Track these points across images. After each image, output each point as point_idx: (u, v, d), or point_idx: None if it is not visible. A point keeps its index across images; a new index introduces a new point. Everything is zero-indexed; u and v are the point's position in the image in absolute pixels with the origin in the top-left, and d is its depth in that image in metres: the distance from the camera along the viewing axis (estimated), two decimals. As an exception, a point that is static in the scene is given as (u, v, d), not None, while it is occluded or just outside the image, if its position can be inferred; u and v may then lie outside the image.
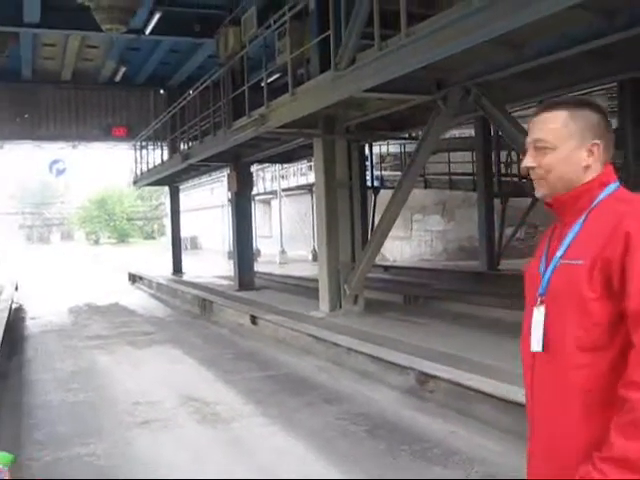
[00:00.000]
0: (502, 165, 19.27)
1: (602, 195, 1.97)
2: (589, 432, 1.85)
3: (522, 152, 2.10)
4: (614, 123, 19.90)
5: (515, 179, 19.93)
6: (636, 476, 1.74)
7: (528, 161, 2.04)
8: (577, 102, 2.06)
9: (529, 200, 19.11)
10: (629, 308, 1.78)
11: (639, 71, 8.98)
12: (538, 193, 2.08)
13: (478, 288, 15.21)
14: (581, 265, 1.88)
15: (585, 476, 1.78)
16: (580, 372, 1.87)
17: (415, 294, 13.55)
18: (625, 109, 14.61)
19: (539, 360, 1.99)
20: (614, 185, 1.99)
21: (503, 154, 19.03)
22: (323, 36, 9.38)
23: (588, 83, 10.67)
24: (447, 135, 20.39)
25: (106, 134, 23.67)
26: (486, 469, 4.91)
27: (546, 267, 2.02)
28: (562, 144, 1.98)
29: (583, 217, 1.97)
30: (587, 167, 1.97)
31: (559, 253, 1.98)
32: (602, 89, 18.45)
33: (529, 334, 2.04)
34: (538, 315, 2.00)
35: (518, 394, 5.78)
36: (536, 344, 1.99)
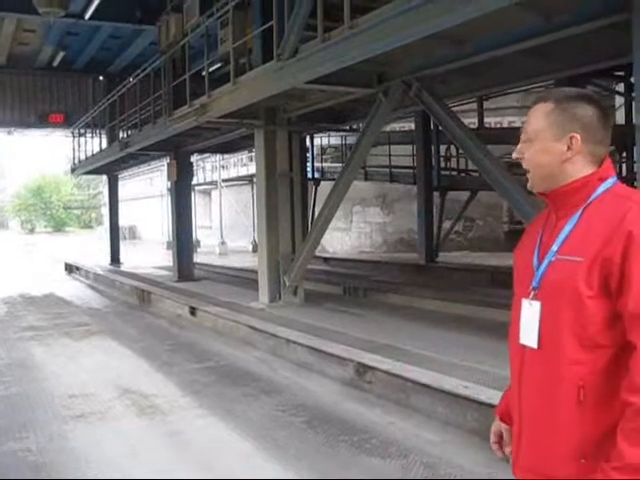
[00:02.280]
0: (442, 159, 19.48)
1: (600, 190, 1.95)
2: (582, 428, 1.85)
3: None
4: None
5: (454, 173, 20.18)
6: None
7: (514, 153, 2.05)
8: (569, 95, 2.03)
9: (467, 194, 19.39)
10: (628, 309, 1.78)
11: (575, 70, 9.15)
12: (529, 185, 2.07)
13: (417, 280, 15.38)
14: (580, 262, 1.85)
15: None
16: (575, 368, 1.86)
17: (354, 286, 13.63)
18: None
19: (530, 354, 1.98)
20: (612, 180, 1.97)
21: (443, 148, 19.23)
22: (266, 26, 9.33)
23: (526, 80, 10.85)
24: (388, 128, 20.53)
25: (43, 121, 23.08)
26: (423, 459, 4.97)
27: (540, 260, 2.00)
28: (540, 136, 1.97)
29: (579, 211, 1.95)
30: (566, 160, 1.96)
31: (555, 247, 1.95)
32: (540, 87, 18.82)
33: (518, 325, 2.04)
34: (531, 309, 1.99)
35: (456, 385, 5.89)
36: (530, 339, 1.98)
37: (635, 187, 5.28)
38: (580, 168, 1.96)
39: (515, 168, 19.18)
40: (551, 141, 1.96)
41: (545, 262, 1.97)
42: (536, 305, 1.97)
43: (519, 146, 2.04)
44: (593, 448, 1.83)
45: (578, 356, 1.86)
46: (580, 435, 1.86)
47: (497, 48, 7.62)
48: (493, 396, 5.22)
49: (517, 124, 24.26)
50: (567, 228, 1.96)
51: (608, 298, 1.82)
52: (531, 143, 1.99)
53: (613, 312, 1.82)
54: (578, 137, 1.94)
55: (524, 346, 2.00)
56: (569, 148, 1.95)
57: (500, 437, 2.24)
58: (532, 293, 1.98)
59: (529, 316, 1.99)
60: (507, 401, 2.20)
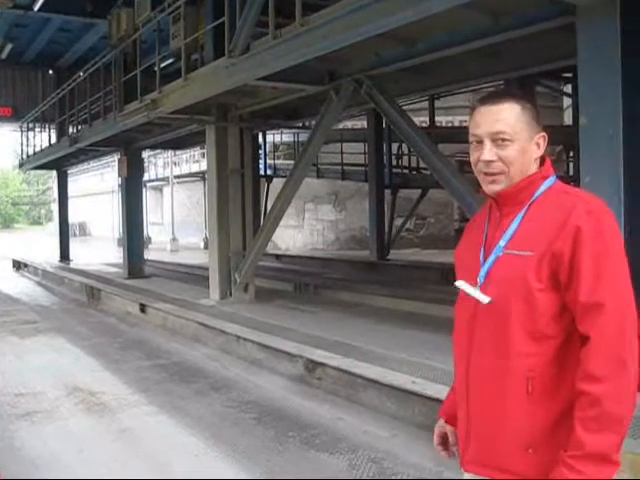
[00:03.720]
0: (393, 157, 19.64)
1: (543, 187, 2.00)
2: (530, 419, 1.90)
3: (471, 146, 2.04)
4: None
5: (406, 171, 20.36)
6: (614, 468, 1.78)
7: (487, 154, 2.00)
8: (519, 94, 2.06)
9: (419, 192, 19.58)
10: (578, 300, 1.84)
11: (524, 70, 9.31)
12: (494, 189, 2.03)
13: (368, 277, 15.48)
14: (529, 256, 1.90)
15: (560, 478, 1.78)
16: (524, 359, 1.90)
17: (306, 283, 13.67)
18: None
19: (477, 348, 2.02)
20: (553, 178, 2.03)
21: (395, 146, 19.38)
22: (217, 22, 9.30)
23: (476, 80, 11.00)
24: (340, 126, 20.63)
25: (-10, 114, 22.71)
26: (372, 455, 5.01)
27: (486, 256, 2.03)
28: (519, 136, 1.97)
29: (525, 209, 1.99)
30: (535, 159, 2.01)
31: (502, 242, 1.98)
32: (490, 86, 19.05)
33: (461, 324, 2.09)
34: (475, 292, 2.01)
35: (405, 381, 5.96)
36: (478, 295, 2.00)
37: (579, 185, 5.40)
38: (535, 167, 2.02)
39: (466, 166, 19.48)
40: (527, 141, 1.98)
41: (492, 257, 2.00)
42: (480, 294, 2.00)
43: (490, 149, 2.00)
44: (541, 438, 1.89)
45: (527, 348, 1.90)
46: (528, 425, 1.90)
47: (447, 48, 7.71)
48: (440, 391, 5.30)
49: (468, 123, 24.60)
50: (514, 224, 1.99)
51: (557, 291, 1.88)
52: (512, 144, 1.97)
53: (561, 304, 1.88)
54: (546, 138, 2.00)
55: (471, 344, 2.03)
56: (538, 147, 2.01)
57: (444, 438, 2.29)
58: (478, 287, 2.01)
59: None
60: (451, 402, 2.24)
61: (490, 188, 2.04)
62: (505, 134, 1.97)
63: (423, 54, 8.05)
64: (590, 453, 1.76)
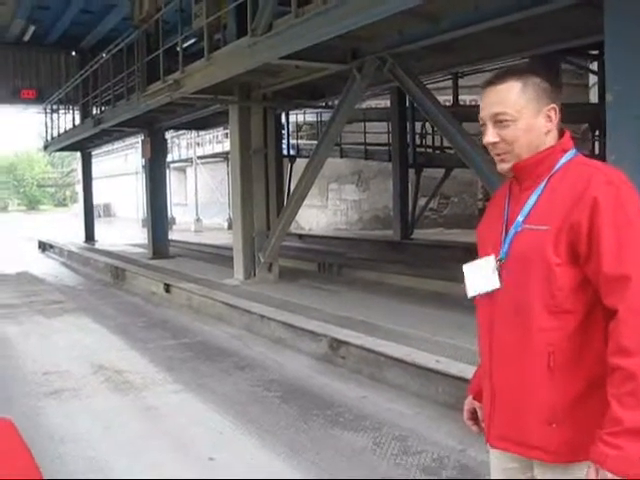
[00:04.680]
0: (417, 136, 19.51)
1: (563, 160, 1.99)
2: (552, 393, 1.90)
3: (481, 128, 2.04)
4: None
5: (429, 150, 20.22)
6: None
7: (490, 136, 2.01)
8: (524, 70, 2.05)
9: (442, 171, 19.45)
10: (602, 272, 1.82)
11: (549, 47, 9.19)
12: (503, 167, 2.05)
13: (391, 257, 15.45)
14: (546, 230, 1.90)
15: (600, 457, 1.76)
16: (545, 334, 1.90)
17: (329, 262, 13.66)
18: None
19: (499, 324, 2.03)
20: (573, 151, 2.02)
21: (418, 125, 19.26)
22: (240, 1, 9.25)
23: (501, 58, 10.89)
24: (363, 105, 20.52)
25: (14, 96, 22.78)
26: (396, 432, 5.02)
27: (506, 231, 2.03)
28: (522, 114, 1.97)
29: (544, 182, 1.98)
30: (548, 132, 1.99)
31: (520, 218, 1.98)
32: (515, 63, 18.85)
33: (483, 300, 2.09)
34: (487, 273, 2.04)
35: (428, 360, 5.95)
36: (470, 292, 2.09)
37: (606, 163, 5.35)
38: (551, 140, 2.00)
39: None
40: (533, 117, 1.97)
41: (511, 233, 2.00)
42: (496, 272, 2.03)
43: (492, 131, 2.01)
44: (563, 413, 1.88)
45: (547, 323, 1.90)
46: (550, 400, 1.90)
47: (471, 25, 7.63)
48: (464, 369, 5.29)
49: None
50: (532, 198, 1.99)
51: (575, 264, 1.87)
52: (514, 123, 1.97)
53: (581, 278, 1.87)
54: (557, 109, 1.99)
55: (494, 317, 2.04)
56: (550, 120, 1.99)
57: (474, 414, 2.30)
58: (498, 264, 2.02)
59: (488, 273, 2.05)
60: (478, 379, 2.24)
61: (500, 167, 2.06)
62: (505, 114, 1.97)
63: (447, 31, 7.98)
64: (629, 429, 1.73)
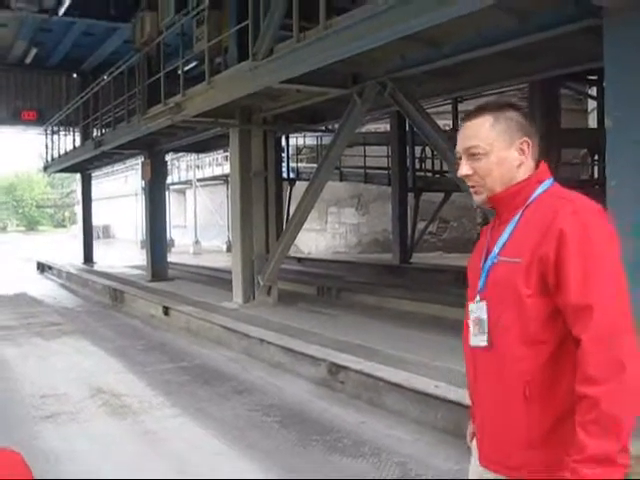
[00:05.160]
0: (416, 160, 19.58)
1: (538, 191, 2.03)
2: (529, 421, 1.95)
3: (456, 162, 2.15)
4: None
5: (429, 174, 20.29)
6: (618, 470, 1.78)
7: (464, 169, 2.08)
8: (499, 104, 2.12)
9: (442, 195, 19.50)
10: (569, 303, 1.85)
11: (549, 72, 9.24)
12: (477, 199, 2.11)
13: (390, 281, 15.43)
14: (518, 263, 1.94)
15: None
16: (520, 364, 1.95)
17: (328, 286, 13.64)
18: (535, 109, 15.02)
19: (480, 354, 2.08)
20: (549, 182, 2.05)
21: (418, 149, 19.33)
22: (241, 25, 9.31)
23: (501, 82, 10.95)
24: (363, 129, 20.60)
25: (15, 118, 22.83)
26: (395, 458, 4.99)
27: (485, 263, 2.08)
28: (493, 147, 2.03)
29: (519, 214, 2.03)
30: (520, 165, 2.04)
31: (496, 250, 2.04)
32: (515, 89, 18.93)
33: (468, 327, 2.15)
34: (477, 310, 2.08)
35: (427, 385, 5.92)
36: (479, 339, 2.08)
37: (605, 190, 5.36)
38: (525, 172, 2.06)
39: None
40: (503, 150, 2.03)
41: (488, 264, 2.07)
42: (482, 306, 2.07)
43: (466, 164, 2.07)
44: (540, 439, 1.93)
45: (522, 353, 1.95)
46: (528, 427, 1.96)
47: (472, 50, 7.68)
48: (463, 395, 5.26)
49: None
50: (507, 230, 2.04)
51: (546, 296, 1.91)
52: (485, 157, 2.03)
53: (552, 309, 1.91)
54: (529, 142, 2.04)
55: (474, 348, 2.11)
56: (522, 153, 2.04)
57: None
58: (478, 295, 2.09)
59: (476, 317, 2.09)
60: None
61: (474, 199, 2.13)
62: (477, 148, 2.04)
63: (448, 57, 8.02)
64: (592, 456, 1.78)
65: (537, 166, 2.07)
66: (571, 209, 1.91)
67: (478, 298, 2.08)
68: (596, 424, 1.78)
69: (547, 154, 13.60)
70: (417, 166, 19.71)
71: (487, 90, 14.59)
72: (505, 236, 2.04)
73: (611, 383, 1.79)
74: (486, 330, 2.05)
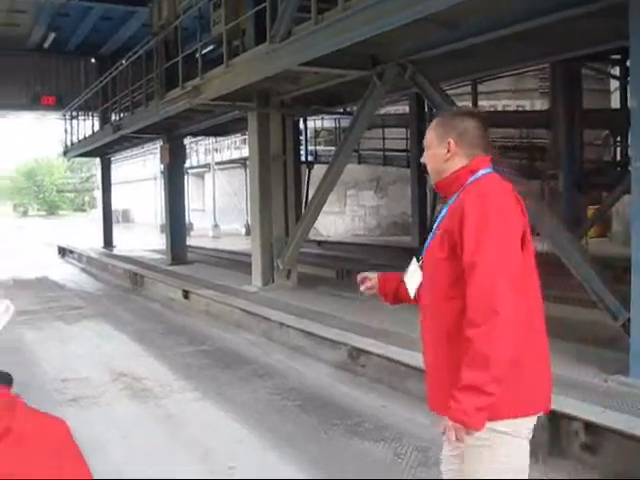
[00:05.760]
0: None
1: (470, 180, 2.51)
2: (450, 363, 2.35)
3: None
4: (545, 104, 20.28)
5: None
6: (486, 399, 2.20)
7: (422, 158, 2.72)
8: (454, 112, 2.82)
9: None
10: (464, 263, 2.33)
11: (570, 53, 9.10)
12: (430, 182, 2.78)
13: (409, 263, 15.34)
14: (438, 234, 2.51)
15: (447, 408, 2.25)
16: (442, 316, 2.46)
17: (348, 269, 13.61)
18: (556, 90, 14.87)
19: (421, 309, 2.64)
20: (484, 171, 2.52)
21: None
22: (259, 8, 9.25)
23: (521, 63, 10.82)
24: (382, 111, 20.45)
25: (34, 103, 22.89)
26: (416, 443, 4.97)
27: (429, 236, 2.64)
28: (431, 144, 2.64)
29: (454, 198, 2.53)
30: (447, 159, 2.57)
31: (435, 225, 2.59)
32: (535, 70, 18.74)
33: (419, 292, 2.71)
34: (414, 270, 2.75)
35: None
36: (411, 292, 2.76)
37: (629, 170, 5.28)
38: (457, 164, 2.56)
39: (510, 151, 19.04)
40: (436, 147, 2.61)
41: (429, 237, 2.62)
42: (417, 270, 2.72)
43: (423, 154, 2.70)
44: (457, 377, 2.27)
45: (442, 306, 2.46)
46: (449, 368, 2.36)
47: (490, 31, 7.56)
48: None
49: (511, 107, 24.22)
50: (443, 210, 2.58)
51: (455, 259, 2.39)
52: (427, 150, 2.66)
53: (459, 271, 2.35)
54: (452, 142, 2.55)
55: (422, 306, 2.63)
56: (448, 151, 2.56)
57: (366, 279, 3.03)
58: (420, 262, 2.70)
59: (411, 275, 2.77)
60: (390, 280, 2.97)
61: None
62: (425, 144, 2.68)
63: (466, 38, 7.91)
64: (466, 385, 2.22)
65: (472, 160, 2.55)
66: (476, 192, 2.41)
67: (419, 264, 2.69)
68: (471, 359, 2.22)
69: (569, 135, 13.45)
70: (436, 148, 19.57)
71: (507, 71, 14.44)
72: (441, 214, 2.58)
73: (483, 327, 2.21)
74: (415, 285, 2.70)
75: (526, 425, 2.43)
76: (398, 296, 2.94)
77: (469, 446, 2.37)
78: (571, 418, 4.65)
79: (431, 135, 2.63)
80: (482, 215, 2.32)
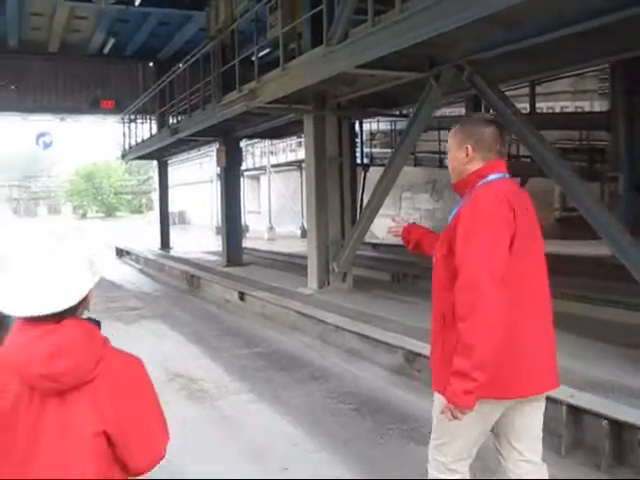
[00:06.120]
0: (492, 144, 19.16)
1: (479, 184, 2.92)
2: (444, 344, 2.85)
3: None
4: (605, 105, 19.89)
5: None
6: (472, 383, 2.59)
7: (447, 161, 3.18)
8: (473, 120, 3.25)
9: (518, 180, 19.09)
10: (456, 262, 2.76)
11: (631, 52, 8.89)
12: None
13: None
14: (444, 232, 2.96)
15: (444, 390, 2.71)
16: (441, 304, 2.91)
17: (403, 272, 13.53)
18: (616, 91, 14.58)
19: (432, 298, 3.04)
20: (494, 176, 2.93)
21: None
22: (315, 10, 9.25)
23: (581, 64, 10.61)
24: (438, 113, 20.30)
25: (94, 107, 23.32)
26: (473, 449, 4.89)
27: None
28: (451, 148, 3.08)
29: (464, 199, 2.92)
30: (466, 163, 2.99)
31: (447, 223, 2.94)
32: (595, 70, 18.40)
33: None
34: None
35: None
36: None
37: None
38: (475, 166, 2.97)
39: (570, 153, 18.69)
40: (455, 151, 3.04)
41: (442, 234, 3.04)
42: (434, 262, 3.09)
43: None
44: (450, 359, 2.70)
45: (441, 296, 2.91)
46: (441, 351, 2.88)
47: (552, 31, 7.41)
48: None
49: (570, 109, 23.83)
50: (454, 210, 2.96)
51: (451, 257, 2.80)
52: (449, 152, 3.10)
53: (454, 267, 2.77)
54: (470, 147, 2.97)
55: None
56: (466, 155, 2.98)
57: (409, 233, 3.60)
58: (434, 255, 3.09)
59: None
60: (424, 235, 3.52)
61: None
62: (447, 147, 3.13)
63: (526, 38, 7.78)
64: (455, 371, 2.64)
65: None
66: (473, 197, 2.83)
67: (435, 257, 3.05)
68: (461, 349, 2.64)
69: (629, 137, 13.12)
70: (493, 150, 19.29)
71: (567, 72, 14.21)
72: (452, 214, 2.95)
73: (467, 320, 2.64)
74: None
75: (497, 407, 2.90)
76: (418, 246, 3.54)
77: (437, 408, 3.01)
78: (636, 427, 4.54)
79: (451, 140, 3.08)
80: (471, 220, 2.76)
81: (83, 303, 2.10)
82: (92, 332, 2.06)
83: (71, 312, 2.00)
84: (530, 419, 3.02)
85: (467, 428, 2.89)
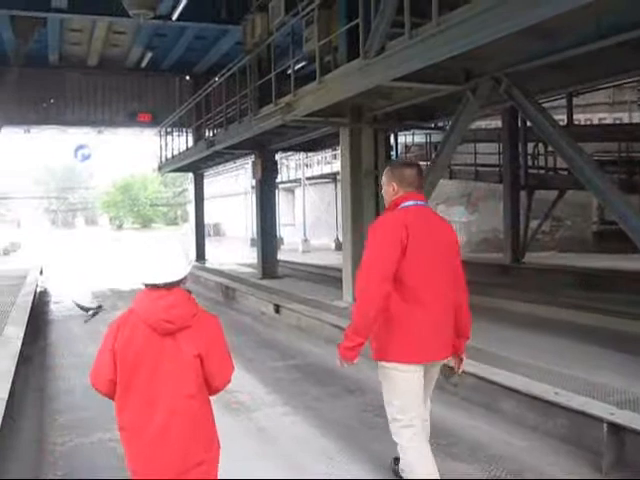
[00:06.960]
0: (529, 157, 19.05)
1: (399, 208, 4.05)
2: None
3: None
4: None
5: (542, 171, 19.72)
6: (348, 342, 3.97)
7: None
8: (399, 163, 5.25)
9: (555, 193, 18.92)
10: None
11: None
12: None
13: (502, 281, 15.10)
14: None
15: (339, 347, 4.08)
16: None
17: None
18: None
19: None
20: (408, 203, 4.04)
21: (530, 146, 18.81)
22: (352, 24, 9.27)
23: (621, 75, 10.50)
24: (473, 126, 20.21)
25: (131, 120, 23.61)
26: (510, 466, 4.84)
27: None
28: (384, 183, 4.22)
29: None
30: (393, 195, 4.13)
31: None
32: (634, 81, 18.17)
33: None
34: None
35: (546, 391, 5.71)
36: None
37: None
38: (397, 197, 4.10)
39: (608, 166, 18.45)
40: (387, 185, 4.18)
41: None
42: None
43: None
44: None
45: None
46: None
47: (591, 42, 7.35)
48: (584, 403, 5.06)
49: (608, 120, 23.57)
50: None
51: None
52: (382, 187, 4.23)
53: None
54: (395, 184, 4.11)
55: None
56: (393, 189, 4.12)
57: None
58: None
59: None
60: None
61: None
62: (380, 183, 4.33)
63: (565, 49, 7.72)
64: (344, 334, 4.02)
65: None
66: (378, 219, 4.13)
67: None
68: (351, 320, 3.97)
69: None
70: (529, 163, 19.18)
71: (606, 83, 14.06)
72: None
73: (357, 300, 3.94)
74: None
75: (408, 368, 4.03)
76: None
77: (379, 375, 4.29)
78: None
79: (384, 178, 4.20)
80: (371, 233, 3.99)
81: (184, 280, 3.32)
82: (190, 297, 3.32)
83: (177, 284, 3.27)
84: (429, 380, 4.31)
85: (401, 386, 4.13)
